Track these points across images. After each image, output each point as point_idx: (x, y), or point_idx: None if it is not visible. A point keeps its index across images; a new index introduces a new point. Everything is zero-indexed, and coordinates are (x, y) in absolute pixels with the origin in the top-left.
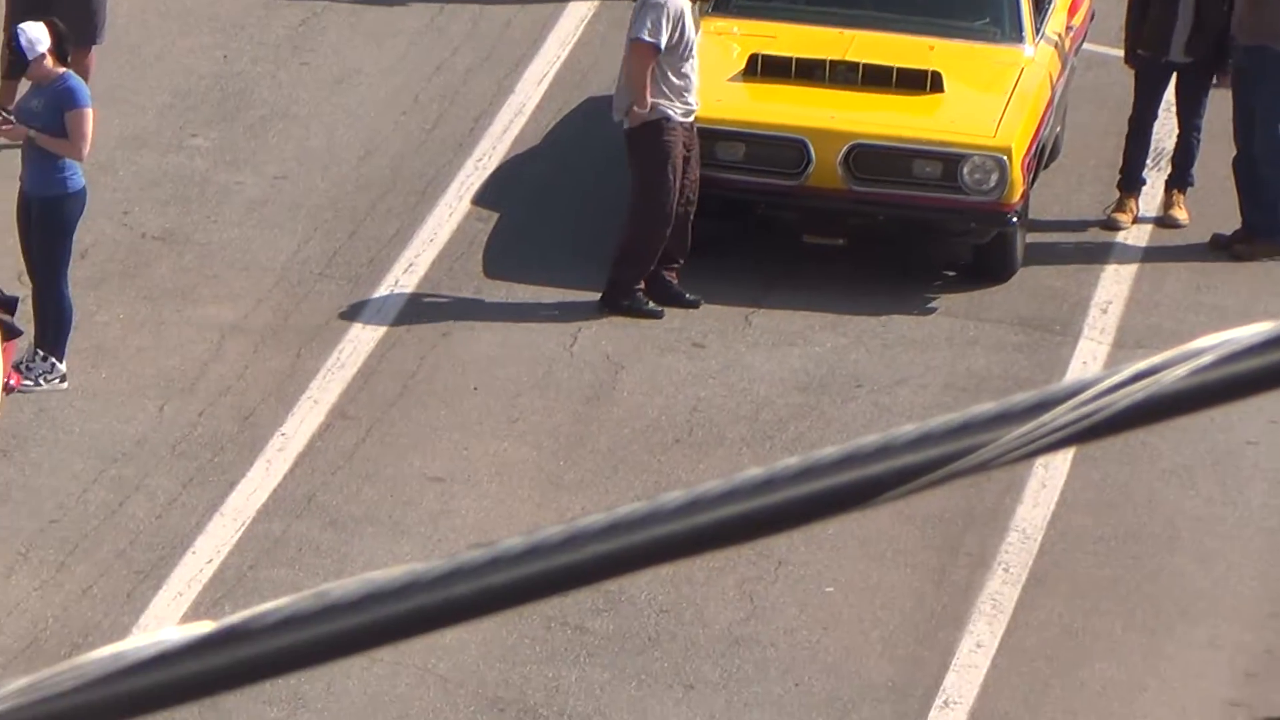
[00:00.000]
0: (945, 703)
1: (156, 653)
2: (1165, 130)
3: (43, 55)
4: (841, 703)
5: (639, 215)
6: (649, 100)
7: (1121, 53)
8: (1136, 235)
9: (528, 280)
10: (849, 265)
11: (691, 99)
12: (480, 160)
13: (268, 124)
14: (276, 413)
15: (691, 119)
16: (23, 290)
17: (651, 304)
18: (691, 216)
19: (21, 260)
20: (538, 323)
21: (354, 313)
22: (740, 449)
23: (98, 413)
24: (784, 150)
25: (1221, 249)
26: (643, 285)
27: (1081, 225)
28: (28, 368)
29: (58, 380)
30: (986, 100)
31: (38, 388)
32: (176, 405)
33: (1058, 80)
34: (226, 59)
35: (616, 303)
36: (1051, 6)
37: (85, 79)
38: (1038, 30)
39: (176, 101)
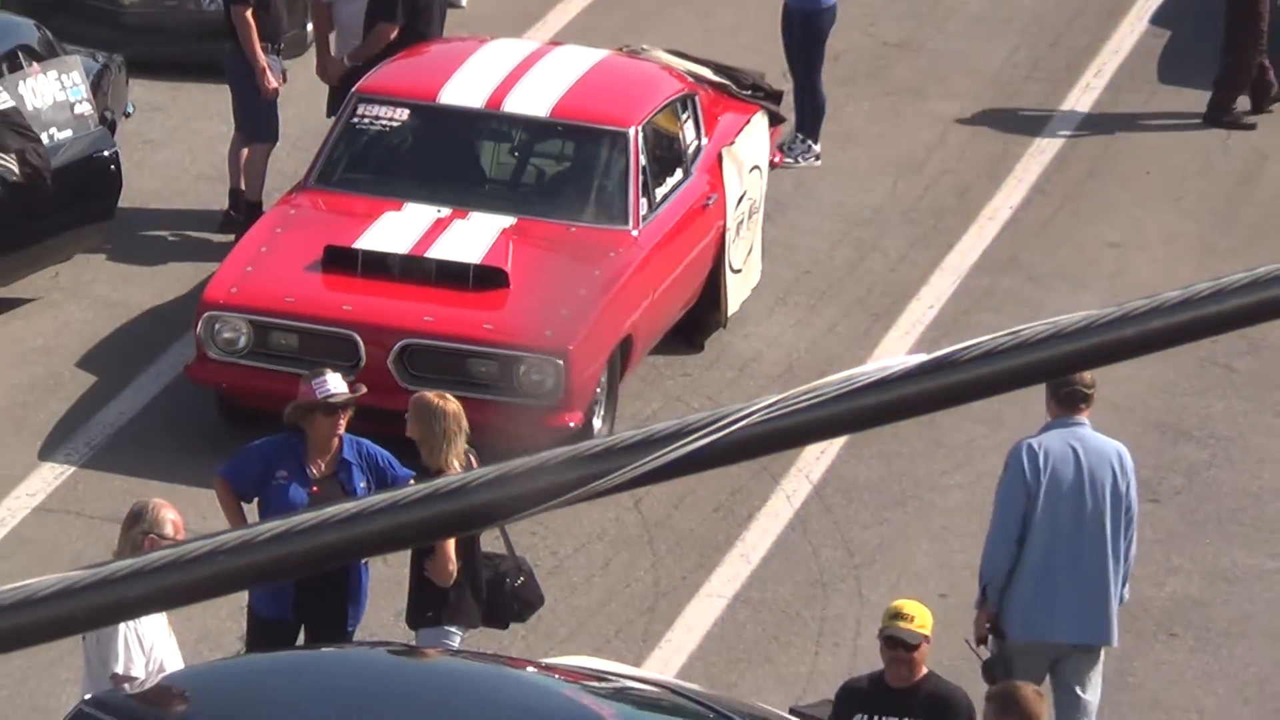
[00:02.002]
0: None
1: (881, 377)
2: None
3: None
4: None
5: (1236, 43)
6: None
7: None
8: None
9: (1195, 85)
10: None
11: None
12: None
13: None
14: (987, 189)
15: None
16: (786, 85)
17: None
18: None
19: (785, 61)
20: (1198, 122)
21: (1052, 108)
22: None
23: (844, 186)
24: None
25: None
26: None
27: None
28: (789, 149)
29: (813, 159)
30: None
31: (796, 165)
32: (907, 181)
33: None
34: None
35: (1217, 120)
36: None
37: None
38: None
39: None
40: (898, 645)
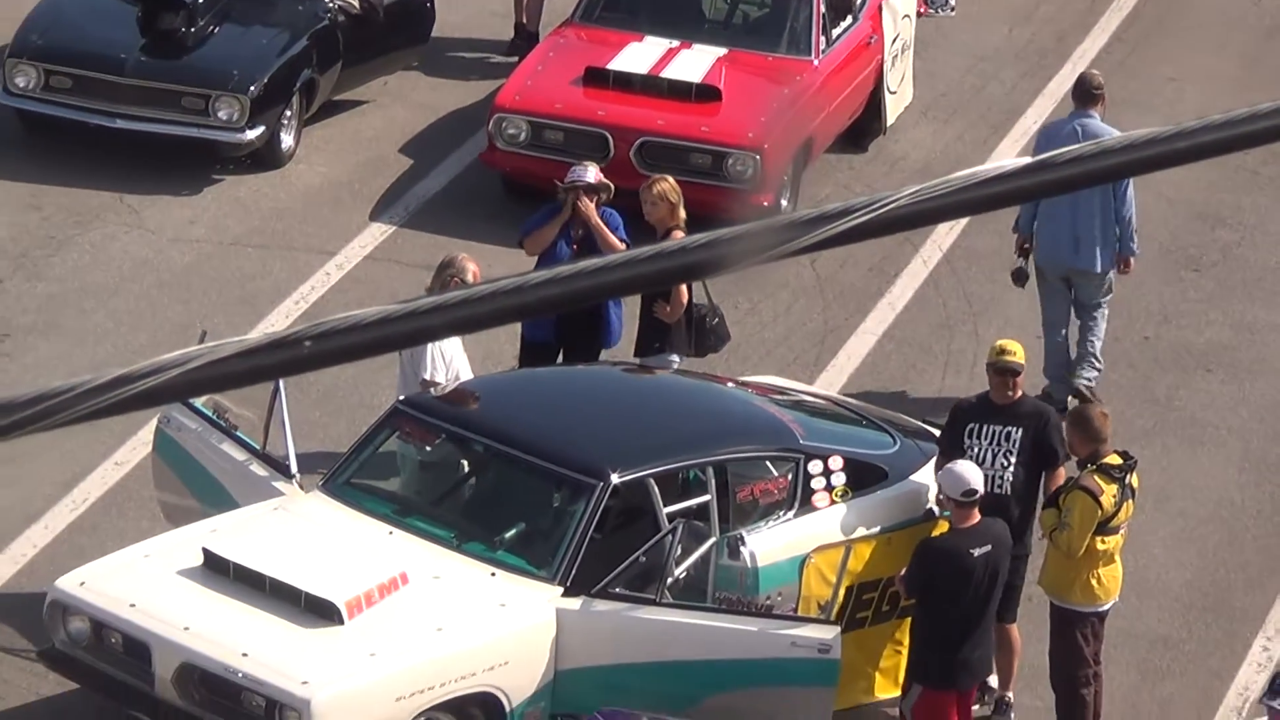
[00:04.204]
0: None
1: (997, 174)
2: None
3: None
4: None
5: None
6: None
7: None
8: None
9: None
10: None
11: None
12: None
13: None
14: (1079, 35)
15: None
16: None
17: None
18: None
19: None
20: None
21: None
22: None
23: (972, 30)
24: None
25: None
26: None
27: None
28: (931, 1)
29: (949, 10)
30: None
31: (937, 14)
32: (1019, 28)
33: None
34: None
35: None
36: None
37: None
38: None
39: None
40: (1005, 372)
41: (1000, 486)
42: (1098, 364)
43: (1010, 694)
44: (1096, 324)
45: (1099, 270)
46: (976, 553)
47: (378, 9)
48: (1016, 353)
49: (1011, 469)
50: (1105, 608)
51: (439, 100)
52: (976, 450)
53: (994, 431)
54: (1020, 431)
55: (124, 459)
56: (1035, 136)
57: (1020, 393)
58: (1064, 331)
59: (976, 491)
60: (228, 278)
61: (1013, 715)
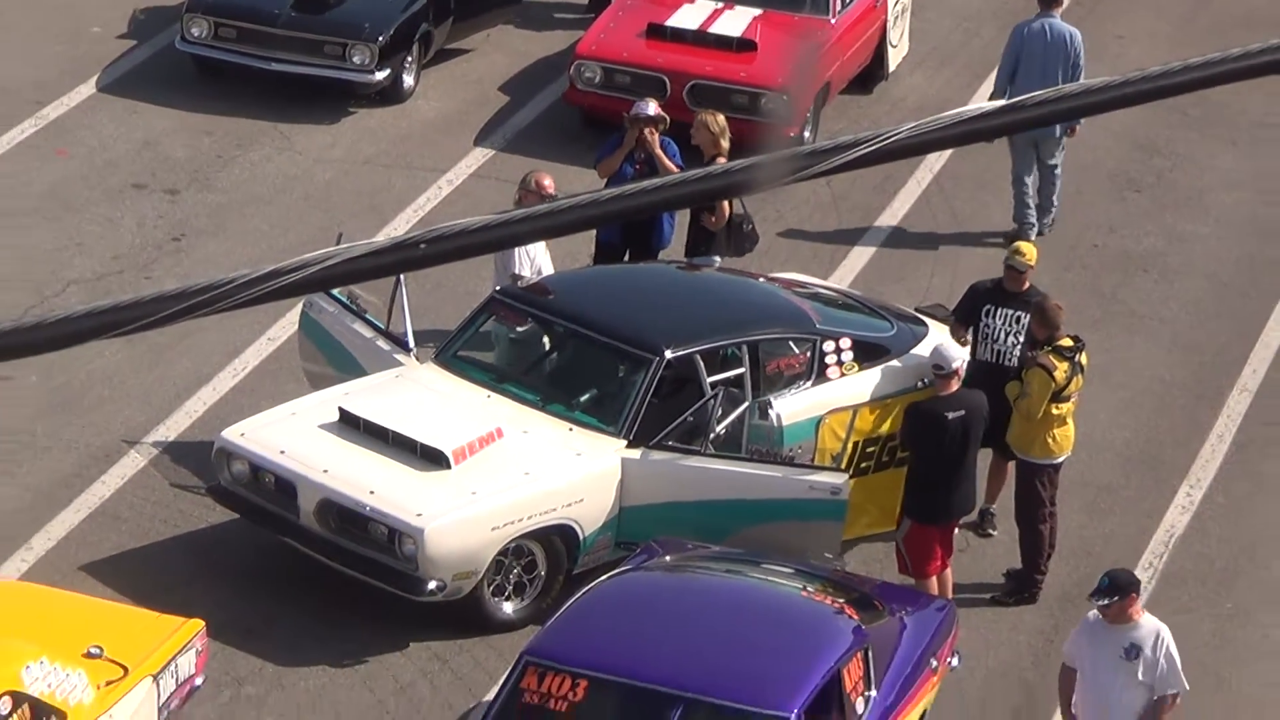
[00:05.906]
0: None
1: (979, 113)
2: None
3: None
4: None
5: None
6: None
7: None
8: None
9: None
10: None
11: None
12: None
13: None
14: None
15: None
16: None
17: None
18: None
19: None
20: None
21: None
22: None
23: None
24: None
25: None
26: None
27: None
28: None
29: None
30: None
31: None
32: None
33: None
34: None
35: None
36: None
37: None
38: None
39: None
40: (1013, 269)
41: (1009, 360)
42: (1054, 209)
43: (993, 507)
44: (1056, 180)
45: (1058, 134)
46: (951, 415)
47: None
48: (1026, 254)
49: (1019, 347)
50: (1059, 460)
51: (530, 49)
52: (993, 328)
53: (1007, 314)
54: (1029, 317)
55: (275, 335)
56: (1011, 33)
57: (1029, 285)
58: (1028, 181)
59: (944, 369)
60: (360, 191)
61: (995, 520)
